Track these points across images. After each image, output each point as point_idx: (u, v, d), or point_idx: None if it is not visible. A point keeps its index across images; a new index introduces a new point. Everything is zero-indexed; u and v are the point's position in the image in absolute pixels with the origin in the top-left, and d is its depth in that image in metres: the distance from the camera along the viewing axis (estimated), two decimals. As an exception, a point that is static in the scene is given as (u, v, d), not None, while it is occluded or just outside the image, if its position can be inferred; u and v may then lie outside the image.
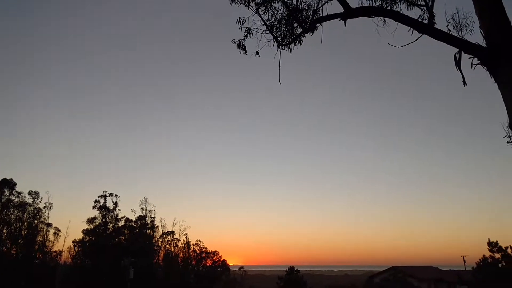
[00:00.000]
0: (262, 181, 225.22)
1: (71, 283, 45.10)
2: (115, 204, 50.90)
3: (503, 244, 42.21)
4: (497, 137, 7.88)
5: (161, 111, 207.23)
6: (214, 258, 59.17)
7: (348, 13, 8.41)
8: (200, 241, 58.36)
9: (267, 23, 10.01)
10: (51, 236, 47.16)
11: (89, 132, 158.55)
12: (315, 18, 9.59)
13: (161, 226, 54.97)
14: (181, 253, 56.62)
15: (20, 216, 45.48)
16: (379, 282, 55.04)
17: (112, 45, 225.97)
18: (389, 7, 9.19)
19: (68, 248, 49.22)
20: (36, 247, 46.03)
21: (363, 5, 8.94)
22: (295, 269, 58.51)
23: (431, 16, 8.39)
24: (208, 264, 58.86)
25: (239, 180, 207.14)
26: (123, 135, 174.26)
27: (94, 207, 50.15)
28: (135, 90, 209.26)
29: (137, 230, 52.38)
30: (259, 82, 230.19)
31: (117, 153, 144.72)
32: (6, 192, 45.56)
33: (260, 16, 9.99)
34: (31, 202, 46.40)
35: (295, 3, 9.90)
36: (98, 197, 50.61)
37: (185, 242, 56.72)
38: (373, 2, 9.36)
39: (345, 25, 8.56)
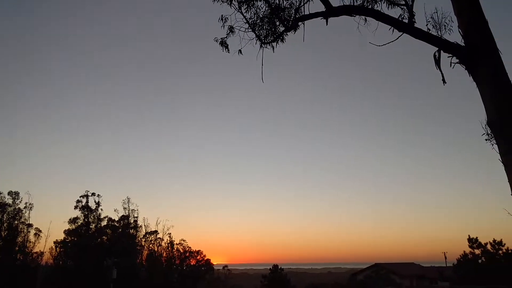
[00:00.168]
0: (244, 180, 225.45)
1: (53, 284, 44.54)
2: (98, 204, 50.48)
3: (482, 241, 43.02)
4: (476, 135, 8.02)
5: (142, 112, 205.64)
6: (198, 258, 59.07)
7: (330, 11, 8.47)
8: (183, 240, 58.23)
9: (250, 21, 10.01)
10: (32, 237, 46.59)
11: (70, 131, 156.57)
12: (297, 16, 9.64)
13: (144, 225, 54.73)
14: (164, 253, 56.37)
15: (0, 217, 44.75)
16: (362, 279, 55.56)
17: (97, 44, 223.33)
18: (370, 6, 9.27)
19: (49, 249, 48.68)
20: (17, 248, 45.35)
21: (345, 4, 9.02)
22: (279, 267, 58.75)
23: (411, 15, 8.50)
24: (192, 264, 58.72)
25: (222, 180, 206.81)
26: (105, 135, 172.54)
27: (76, 207, 49.68)
28: (117, 90, 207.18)
29: (120, 230, 51.99)
30: (241, 81, 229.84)
31: (99, 153, 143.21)
32: (-15, 192, 44.84)
33: (243, 14, 9.99)
34: (11, 202, 45.77)
35: (277, 1, 9.93)
36: (80, 197, 50.15)
37: (168, 241, 56.56)
38: (355, 1, 9.45)
39: (326, 24, 8.63)
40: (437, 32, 8.04)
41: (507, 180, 6.60)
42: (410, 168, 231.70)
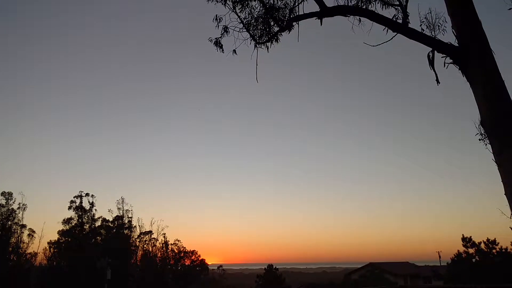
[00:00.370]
0: (239, 180, 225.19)
1: (47, 285, 44.36)
2: (92, 204, 50.27)
3: (476, 240, 43.14)
4: (470, 135, 8.05)
5: (136, 112, 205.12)
6: (192, 258, 58.97)
7: (324, 12, 8.48)
8: (178, 240, 58.11)
9: (244, 21, 10.00)
10: (25, 237, 46.33)
11: (64, 131, 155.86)
12: (291, 16, 9.66)
13: (139, 226, 54.54)
14: (159, 253, 56.25)
15: (-7, 217, 44.53)
16: (357, 279, 55.67)
17: (93, 44, 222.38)
18: (364, 7, 9.30)
19: (43, 249, 48.45)
20: (10, 249, 45.09)
21: (339, 4, 9.04)
22: (274, 267, 58.77)
23: (405, 15, 8.54)
24: (186, 264, 58.62)
25: (218, 180, 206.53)
26: (99, 135, 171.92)
27: (70, 208, 49.44)
28: (110, 91, 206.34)
29: (114, 230, 51.82)
30: (236, 81, 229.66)
31: (93, 153, 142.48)
32: (-22, 193, 44.60)
33: (237, 14, 9.98)
34: (4, 203, 45.51)
35: (271, 1, 9.93)
36: (74, 197, 49.92)
37: (163, 242, 56.40)
38: (349, 1, 9.47)
39: (321, 24, 8.64)
40: (431, 32, 8.08)
41: (501, 180, 6.64)
42: (404, 168, 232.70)
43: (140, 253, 54.54)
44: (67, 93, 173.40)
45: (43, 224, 67.84)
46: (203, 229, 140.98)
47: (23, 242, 46.07)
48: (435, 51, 7.74)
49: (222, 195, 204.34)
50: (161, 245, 56.23)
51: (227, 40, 10.12)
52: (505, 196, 6.54)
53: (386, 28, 8.14)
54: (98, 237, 50.74)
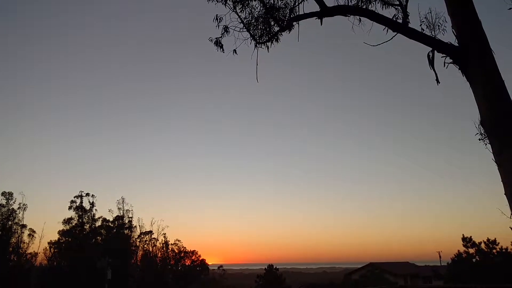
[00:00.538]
0: (239, 180, 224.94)
1: (47, 285, 44.38)
2: (92, 204, 50.30)
3: (477, 240, 43.13)
4: (470, 135, 8.07)
5: (136, 112, 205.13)
6: (193, 258, 58.99)
7: (324, 12, 8.50)
8: (178, 240, 58.13)
9: (244, 21, 10.02)
10: (25, 237, 46.37)
11: (64, 131, 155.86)
12: (291, 16, 9.67)
13: (139, 226, 54.56)
14: (159, 253, 56.27)
15: (-7, 218, 44.56)
16: (357, 279, 55.67)
17: (93, 44, 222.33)
18: (364, 6, 9.32)
19: (43, 249, 48.50)
20: (11, 249, 45.12)
21: (339, 3, 9.06)
22: (274, 267, 58.78)
23: (405, 15, 8.55)
24: (186, 264, 58.64)
25: (218, 180, 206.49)
26: (99, 135, 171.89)
27: (70, 208, 49.47)
28: (110, 91, 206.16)
29: (115, 230, 51.84)
30: (236, 80, 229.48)
31: (93, 153, 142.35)
32: (-21, 193, 44.62)
33: (237, 14, 10.00)
34: (4, 203, 45.54)
35: (272, 1, 9.96)
36: (74, 197, 49.94)
37: (163, 242, 56.41)
38: (349, 1, 9.48)
39: (321, 24, 8.66)
40: (431, 32, 8.09)
41: (501, 180, 6.65)
42: (404, 168, 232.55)
43: (140, 253, 54.60)
44: (67, 93, 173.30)
45: (43, 224, 67.83)
46: (203, 229, 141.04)
47: (24, 242, 46.16)
48: (435, 51, 7.75)
49: (222, 195, 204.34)
50: (161, 245, 56.31)
51: (228, 40, 10.15)
52: (505, 196, 6.55)
53: (386, 28, 8.15)
54: (98, 237, 50.77)
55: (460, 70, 7.39)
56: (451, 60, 7.47)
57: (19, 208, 46.04)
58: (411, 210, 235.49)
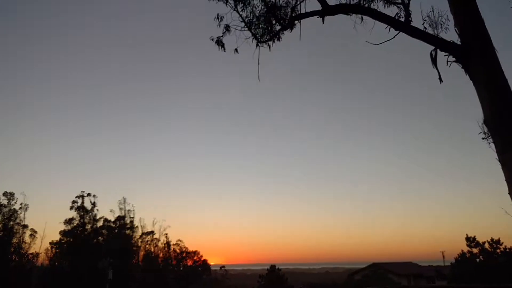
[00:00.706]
0: (241, 180, 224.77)
1: (48, 285, 44.41)
2: (93, 204, 50.24)
3: (480, 239, 43.02)
4: (473, 133, 8.04)
5: (137, 112, 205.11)
6: (194, 258, 58.98)
7: (326, 10, 8.47)
8: (180, 241, 58.12)
9: (246, 20, 10.00)
10: (27, 238, 46.31)
11: (65, 131, 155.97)
12: (293, 15, 9.64)
13: (141, 226, 54.49)
14: (161, 253, 56.24)
15: (-5, 218, 44.61)
16: (360, 279, 55.55)
17: (93, 44, 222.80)
18: (366, 5, 9.27)
19: (45, 250, 48.42)
20: (12, 249, 45.13)
21: (341, 2, 9.01)
22: (276, 267, 58.72)
23: (408, 14, 8.51)
24: (188, 264, 58.62)
25: (220, 180, 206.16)
26: (100, 135, 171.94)
27: (71, 208, 49.41)
28: (111, 90, 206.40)
29: (116, 230, 51.81)
30: (237, 79, 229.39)
31: (95, 153, 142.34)
32: (-20, 193, 44.67)
33: (239, 13, 9.98)
34: (6, 203, 45.49)
35: (273, 0, 9.92)
36: (76, 197, 49.90)
37: (165, 242, 56.37)
38: (351, -1, 9.43)
39: (323, 22, 8.62)
40: (434, 30, 8.06)
41: (504, 179, 6.61)
42: (406, 168, 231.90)
43: (142, 253, 54.55)
44: (68, 93, 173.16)
45: (44, 224, 67.73)
46: (205, 229, 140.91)
47: (25, 243, 46.11)
48: (438, 50, 7.72)
49: (224, 195, 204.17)
50: (163, 245, 56.27)
51: (229, 39, 10.14)
52: (508, 195, 6.51)
53: (389, 26, 8.12)
54: (100, 237, 50.73)
55: (463, 69, 7.37)
56: (454, 59, 7.45)
57: (20, 208, 46.06)
58: (414, 210, 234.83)
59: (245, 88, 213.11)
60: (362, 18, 9.11)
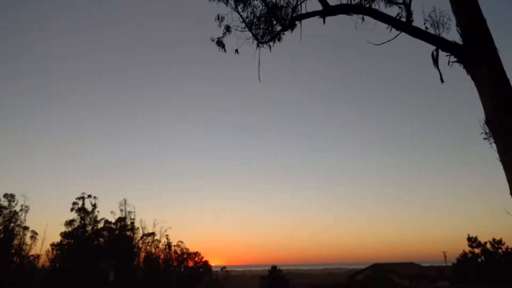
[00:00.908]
0: (242, 181, 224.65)
1: (49, 286, 44.38)
2: (94, 205, 50.33)
3: (482, 240, 43.09)
4: (475, 134, 8.02)
5: (138, 113, 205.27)
6: (196, 259, 59.06)
7: (327, 10, 8.43)
8: (181, 242, 58.21)
9: (246, 20, 9.98)
10: (28, 239, 46.42)
11: (66, 132, 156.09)
12: (294, 15, 9.60)
13: (142, 227, 54.60)
14: (162, 255, 56.28)
15: (-4, 220, 44.62)
16: (362, 279, 55.50)
17: (93, 45, 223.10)
18: (367, 5, 9.24)
19: (46, 251, 48.57)
20: (13, 251, 45.14)
21: (342, 2, 8.98)
22: (278, 268, 58.67)
23: (409, 14, 8.48)
24: (189, 265, 58.66)
25: (220, 181, 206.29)
26: (101, 136, 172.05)
27: (72, 209, 49.51)
28: (112, 92, 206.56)
29: (117, 232, 51.84)
30: (238, 80, 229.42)
31: (95, 154, 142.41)
32: (-20, 195, 44.69)
33: (239, 14, 9.95)
34: (6, 205, 45.55)
35: (274, 0, 9.91)
36: (76, 199, 50.00)
37: (166, 243, 56.46)
38: (352, -1, 9.40)
39: (324, 23, 8.58)
40: (435, 30, 8.02)
41: (506, 179, 6.58)
42: (409, 168, 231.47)
43: (143, 254, 54.60)
44: (68, 95, 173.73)
45: (45, 226, 68.01)
46: (206, 231, 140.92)
47: (26, 244, 46.20)
48: (439, 50, 7.69)
49: (225, 196, 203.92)
50: (164, 246, 56.37)
51: (229, 39, 10.11)
52: (510, 195, 6.48)
53: (390, 26, 8.09)
54: (100, 239, 50.76)
55: (464, 69, 7.34)
56: (455, 59, 7.41)
57: (21, 210, 46.14)
58: (416, 210, 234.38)
59: (245, 88, 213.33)
60: (363, 18, 9.08)
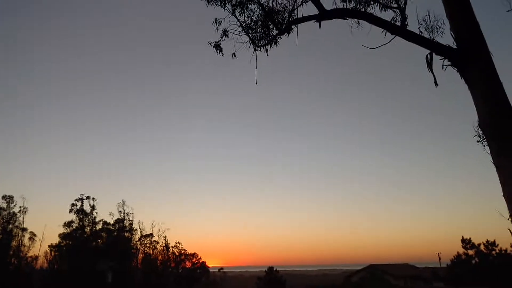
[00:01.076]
0: (239, 182, 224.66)
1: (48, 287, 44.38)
2: (92, 207, 50.35)
3: (476, 241, 43.26)
4: (468, 137, 8.11)
5: (136, 115, 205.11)
6: (193, 260, 59.04)
7: (323, 15, 8.52)
8: (179, 243, 58.20)
9: (243, 24, 10.06)
10: (26, 241, 46.42)
11: (65, 134, 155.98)
12: (290, 20, 9.70)
13: (140, 228, 54.63)
14: (160, 256, 56.30)
15: (-6, 221, 44.57)
16: (357, 281, 55.66)
17: (93, 46, 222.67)
18: (363, 9, 9.35)
19: (44, 252, 48.56)
20: (11, 252, 45.09)
21: (338, 7, 9.08)
22: (275, 269, 58.72)
23: (404, 18, 8.57)
24: (187, 266, 58.66)
25: (217, 182, 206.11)
26: (99, 138, 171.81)
27: (70, 211, 49.51)
28: (111, 93, 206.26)
29: (115, 233, 51.84)
30: (235, 83, 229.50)
31: (94, 156, 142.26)
32: (-21, 197, 44.62)
33: (236, 18, 10.04)
34: (5, 206, 45.57)
35: (270, 4, 10.00)
36: (75, 200, 50.03)
37: (164, 244, 56.47)
38: (348, 4, 9.51)
39: (319, 27, 8.68)
40: (429, 34, 8.11)
41: (499, 181, 6.67)
42: (403, 170, 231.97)
43: (141, 256, 54.64)
44: (67, 96, 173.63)
45: (44, 227, 67.91)
46: (203, 232, 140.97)
47: (24, 246, 46.21)
48: (434, 53, 7.77)
49: (222, 197, 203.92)
50: (162, 247, 56.37)
51: (227, 43, 10.19)
52: (503, 197, 6.57)
53: (385, 30, 8.19)
54: (99, 240, 50.74)
55: (458, 73, 7.43)
56: (449, 63, 7.50)
57: (19, 211, 46.17)
58: (411, 211, 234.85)
59: (245, 88, 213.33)
60: (358, 23, 9.17)
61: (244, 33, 10.05)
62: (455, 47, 7.48)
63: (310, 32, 9.82)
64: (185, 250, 58.41)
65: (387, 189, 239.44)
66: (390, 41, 8.25)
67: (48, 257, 48.40)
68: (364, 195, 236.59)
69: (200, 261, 59.27)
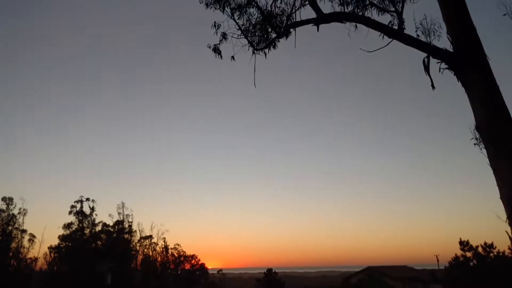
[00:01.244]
0: (239, 184, 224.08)
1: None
2: (92, 209, 50.28)
3: (474, 243, 43.27)
4: (465, 139, 8.17)
5: (136, 116, 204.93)
6: (192, 262, 59.01)
7: (321, 18, 8.58)
8: (178, 245, 58.16)
9: (242, 28, 10.12)
10: (26, 242, 46.31)
11: (64, 136, 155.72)
12: (288, 23, 9.76)
13: (139, 230, 54.59)
14: (159, 257, 56.26)
15: (-7, 223, 44.54)
16: (356, 282, 55.64)
17: (91, 47, 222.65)
18: (360, 13, 9.42)
19: (43, 254, 48.45)
20: (11, 254, 45.04)
21: (335, 10, 9.14)
22: (273, 271, 58.73)
23: (401, 22, 8.63)
24: (186, 268, 58.62)
25: (216, 184, 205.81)
26: (99, 139, 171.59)
27: (70, 212, 49.44)
28: (110, 94, 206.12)
29: (115, 235, 51.80)
30: (238, 80, 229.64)
31: (93, 158, 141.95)
32: (-22, 198, 44.62)
33: (235, 21, 10.10)
34: (4, 208, 45.49)
35: (269, 8, 10.06)
36: (75, 202, 49.94)
37: (163, 246, 56.45)
38: (345, 7, 9.57)
39: (318, 30, 8.74)
40: (426, 38, 8.18)
41: (496, 184, 6.72)
42: (401, 172, 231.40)
43: (140, 257, 54.57)
44: (68, 97, 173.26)
45: (43, 229, 67.66)
46: (203, 233, 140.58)
47: (24, 247, 46.09)
48: (431, 57, 7.83)
49: (221, 199, 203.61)
50: (161, 249, 56.33)
51: (226, 46, 10.24)
52: (500, 200, 6.62)
53: (382, 34, 8.25)
54: (98, 242, 50.68)
55: (455, 76, 7.49)
56: (446, 66, 7.55)
57: (19, 213, 46.06)
58: (409, 213, 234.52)
59: (245, 88, 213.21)
60: (356, 26, 9.24)
61: (243, 37, 10.11)
62: (452, 50, 7.54)
63: (309, 35, 9.88)
64: (184, 251, 58.46)
65: (385, 191, 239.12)
66: (387, 45, 8.31)
67: (48, 258, 48.38)
68: (363, 196, 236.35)
69: (199, 262, 59.32)
